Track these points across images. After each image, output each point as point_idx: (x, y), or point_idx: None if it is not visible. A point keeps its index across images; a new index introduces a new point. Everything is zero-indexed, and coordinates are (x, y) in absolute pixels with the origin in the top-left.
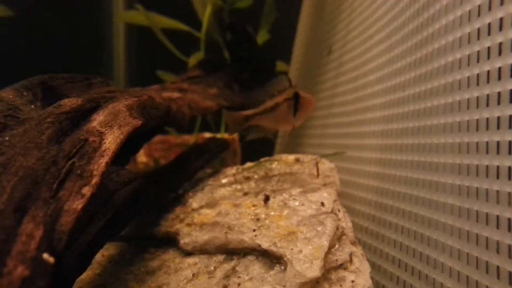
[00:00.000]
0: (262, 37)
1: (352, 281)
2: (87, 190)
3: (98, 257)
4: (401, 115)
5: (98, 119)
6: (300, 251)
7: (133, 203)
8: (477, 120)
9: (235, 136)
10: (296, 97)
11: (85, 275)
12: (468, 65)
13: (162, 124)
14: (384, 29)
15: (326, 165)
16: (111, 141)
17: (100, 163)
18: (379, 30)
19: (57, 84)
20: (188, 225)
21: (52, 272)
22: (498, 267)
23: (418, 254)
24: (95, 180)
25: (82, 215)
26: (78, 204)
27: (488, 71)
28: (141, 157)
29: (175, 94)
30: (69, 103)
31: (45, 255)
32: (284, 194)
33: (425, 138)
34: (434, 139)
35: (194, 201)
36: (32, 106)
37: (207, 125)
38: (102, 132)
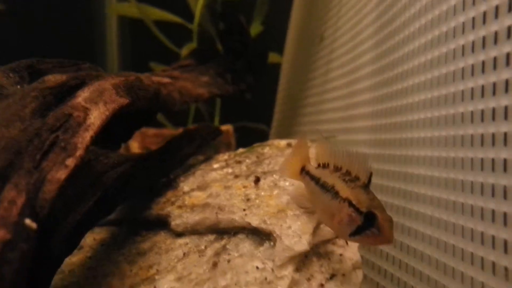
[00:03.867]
0: (255, 29)
1: (340, 255)
2: (71, 162)
3: (90, 241)
4: (390, 95)
5: (83, 95)
6: (289, 227)
7: (123, 185)
8: (462, 113)
9: (230, 128)
10: (370, 220)
11: (76, 258)
12: (454, 58)
13: (151, 107)
14: (372, 11)
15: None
16: (96, 117)
17: (85, 137)
18: (368, 13)
19: (45, 68)
20: (179, 207)
21: (35, 237)
22: (493, 262)
23: (413, 251)
24: (79, 152)
25: (71, 194)
26: (61, 174)
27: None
28: (136, 150)
29: (165, 80)
30: (53, 78)
31: (28, 221)
32: (274, 175)
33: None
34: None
35: (186, 185)
36: (18, 87)
37: (202, 117)
38: (87, 108)
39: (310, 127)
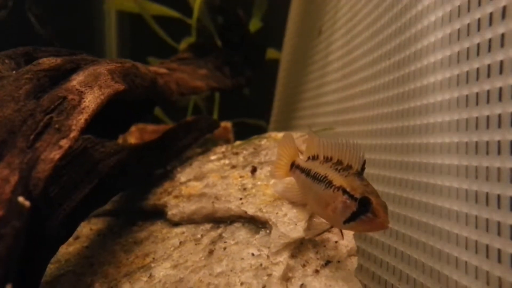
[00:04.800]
0: (254, 25)
1: (336, 242)
2: (64, 143)
3: (86, 231)
4: (387, 84)
5: (78, 79)
6: (285, 215)
7: (119, 173)
8: (458, 98)
9: (228, 124)
10: (365, 205)
11: (73, 248)
12: (450, 43)
13: (148, 96)
14: (370, 2)
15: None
16: (91, 100)
17: (79, 119)
18: (365, 4)
19: (41, 56)
20: (176, 197)
21: (28, 216)
22: (487, 246)
23: (408, 238)
24: (73, 134)
25: (67, 181)
26: (55, 154)
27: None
28: None
29: (162, 70)
30: (48, 61)
31: (21, 199)
32: (271, 165)
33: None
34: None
35: (182, 176)
36: (14, 73)
37: (201, 114)
38: (81, 91)
39: (309, 121)
